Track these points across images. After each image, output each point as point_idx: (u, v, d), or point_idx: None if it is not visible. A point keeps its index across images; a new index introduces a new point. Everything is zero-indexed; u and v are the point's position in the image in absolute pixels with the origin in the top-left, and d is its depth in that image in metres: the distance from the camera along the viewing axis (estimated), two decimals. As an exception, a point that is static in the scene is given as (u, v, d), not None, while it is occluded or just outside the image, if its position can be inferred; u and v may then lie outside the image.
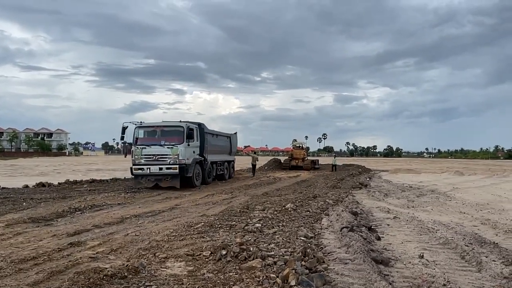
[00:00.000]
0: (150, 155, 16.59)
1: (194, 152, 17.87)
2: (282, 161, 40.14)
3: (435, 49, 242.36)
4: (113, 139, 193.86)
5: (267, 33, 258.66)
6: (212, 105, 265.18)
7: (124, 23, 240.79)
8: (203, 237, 6.73)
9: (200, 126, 18.99)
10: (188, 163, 17.01)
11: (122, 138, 17.68)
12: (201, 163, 18.58)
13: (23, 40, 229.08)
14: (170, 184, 16.56)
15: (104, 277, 4.44)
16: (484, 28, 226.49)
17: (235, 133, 25.39)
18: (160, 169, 16.39)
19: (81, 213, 9.64)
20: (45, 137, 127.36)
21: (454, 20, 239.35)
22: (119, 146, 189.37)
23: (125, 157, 18.14)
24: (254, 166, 27.40)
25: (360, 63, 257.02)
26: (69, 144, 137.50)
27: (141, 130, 17.38)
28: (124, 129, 17.39)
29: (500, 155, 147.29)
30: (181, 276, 4.75)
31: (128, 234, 7.15)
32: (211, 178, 20.01)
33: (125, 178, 22.02)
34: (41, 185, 16.82)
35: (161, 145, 16.68)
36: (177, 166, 16.31)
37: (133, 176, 17.12)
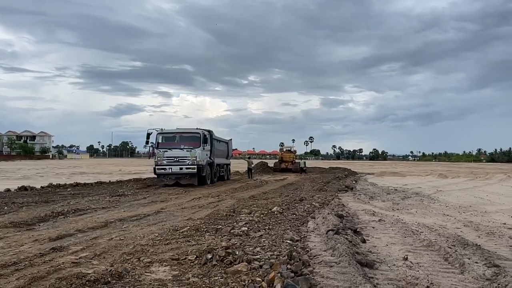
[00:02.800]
0: (171, 157, 19.20)
1: (206, 155, 20.53)
2: (272, 164, 40.52)
3: (419, 54, 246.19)
4: (98, 142, 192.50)
5: (254, 37, 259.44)
6: (199, 108, 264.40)
7: (110, 25, 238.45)
8: (189, 241, 6.68)
9: (210, 132, 21.53)
10: (203, 164, 19.74)
11: (147, 142, 20.17)
12: (211, 165, 21.23)
13: (6, 41, 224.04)
14: (189, 182, 19.28)
15: (87, 283, 4.36)
16: (467, 34, 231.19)
17: (231, 139, 27.85)
18: (181, 169, 19.05)
19: (64, 218, 9.46)
20: (28, 140, 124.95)
21: (437, 26, 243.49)
22: (105, 149, 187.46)
23: (149, 158, 21.26)
24: (250, 170, 29.41)
25: (346, 67, 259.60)
26: (53, 147, 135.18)
27: (162, 135, 19.94)
28: (148, 134, 19.84)
29: (482, 158, 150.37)
30: (166, 281, 4.70)
31: (112, 238, 7.05)
32: (216, 178, 22.61)
33: (110, 181, 21.77)
34: (23, 188, 16.48)
35: (181, 149, 19.39)
36: (195, 166, 19.08)
37: (156, 175, 19.58)
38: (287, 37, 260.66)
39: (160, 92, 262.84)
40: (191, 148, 19.28)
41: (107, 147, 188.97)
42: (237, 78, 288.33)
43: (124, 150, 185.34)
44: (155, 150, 19.55)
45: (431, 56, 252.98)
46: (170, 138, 20.00)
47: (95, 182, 20.68)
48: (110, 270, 4.82)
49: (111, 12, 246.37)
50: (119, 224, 8.63)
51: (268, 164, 42.54)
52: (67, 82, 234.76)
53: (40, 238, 7.04)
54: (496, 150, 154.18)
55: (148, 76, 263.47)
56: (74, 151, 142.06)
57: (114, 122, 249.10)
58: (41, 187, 17.62)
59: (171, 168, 19.07)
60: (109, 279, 4.55)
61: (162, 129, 20.15)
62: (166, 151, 19.30)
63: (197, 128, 20.49)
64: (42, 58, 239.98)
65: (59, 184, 18.91)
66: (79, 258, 5.64)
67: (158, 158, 19.22)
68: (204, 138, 19.81)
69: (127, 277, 4.75)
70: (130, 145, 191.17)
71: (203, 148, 19.74)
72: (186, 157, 19.14)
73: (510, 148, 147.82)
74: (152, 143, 20.21)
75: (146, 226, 8.33)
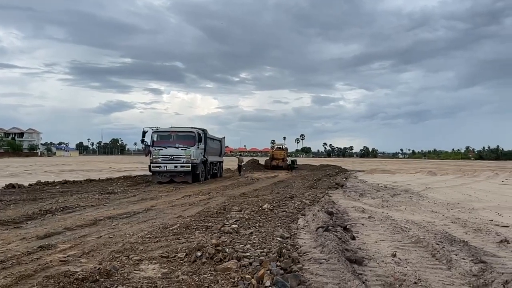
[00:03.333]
0: (166, 155, 19.75)
1: (201, 153, 21.13)
2: (264, 162, 40.63)
3: (409, 52, 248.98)
4: (88, 139, 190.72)
5: (245, 34, 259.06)
6: (190, 105, 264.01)
7: (100, 21, 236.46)
8: (179, 239, 6.66)
9: (204, 131, 22.00)
10: (198, 162, 20.33)
11: (142, 141, 20.74)
12: (204, 163, 21.82)
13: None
14: (183, 180, 19.74)
15: (75, 281, 4.32)
16: (456, 32, 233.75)
17: (224, 138, 28.22)
18: (175, 167, 19.66)
19: (52, 215, 9.36)
20: (16, 137, 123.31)
21: (427, 24, 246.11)
22: (94, 147, 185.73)
23: (146, 156, 21.51)
24: (240, 166, 30.41)
25: (337, 65, 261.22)
26: (41, 144, 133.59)
27: (157, 134, 20.39)
28: (144, 133, 20.34)
29: (470, 155, 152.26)
30: (155, 279, 4.67)
31: (101, 236, 7.00)
32: (209, 176, 23.30)
33: (99, 179, 21.59)
34: (11, 186, 16.23)
35: (175, 147, 19.85)
36: (190, 164, 19.65)
37: (151, 173, 20.13)
38: (278, 35, 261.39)
39: (151, 89, 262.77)
40: (186, 147, 19.82)
41: (97, 144, 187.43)
42: (229, 75, 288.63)
43: (114, 147, 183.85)
44: (151, 148, 19.98)
45: (421, 55, 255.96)
46: (165, 137, 20.46)
47: (84, 180, 20.48)
48: (99, 268, 4.78)
49: (100, 8, 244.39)
50: (108, 222, 8.57)
51: (259, 162, 42.58)
52: (56, 78, 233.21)
53: (28, 236, 6.96)
54: (484, 147, 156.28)
55: (138, 73, 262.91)
56: (63, 148, 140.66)
57: (104, 119, 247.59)
58: (29, 184, 17.38)
59: (166, 166, 19.66)
60: (98, 277, 4.51)
61: (157, 127, 20.66)
62: (161, 149, 19.82)
63: (192, 127, 21.06)
64: (30, 54, 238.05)
65: (48, 181, 18.67)
66: (67, 256, 5.59)
67: (154, 156, 19.76)
68: (198, 137, 20.35)
69: (116, 275, 4.71)
70: (120, 142, 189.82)
71: (198, 147, 20.30)
72: (180, 155, 19.69)
73: (497, 145, 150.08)
74: (146, 141, 20.49)
75: (136, 224, 8.28)
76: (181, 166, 19.64)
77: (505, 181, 24.66)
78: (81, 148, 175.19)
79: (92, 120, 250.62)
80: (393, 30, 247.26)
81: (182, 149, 19.80)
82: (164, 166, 19.65)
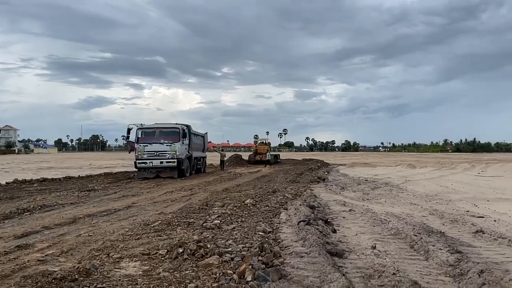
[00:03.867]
0: (152, 151, 20.02)
1: (185, 149, 21.41)
2: (247, 157, 40.70)
3: (389, 47, 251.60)
4: (67, 135, 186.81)
5: (227, 28, 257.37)
6: (172, 101, 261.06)
7: (78, 15, 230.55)
8: (160, 236, 6.62)
9: (188, 127, 22.30)
10: (183, 158, 20.65)
11: (127, 137, 21.08)
12: (189, 158, 22.14)
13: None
14: (169, 175, 20.10)
15: (53, 281, 4.25)
16: (435, 27, 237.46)
17: (206, 133, 28.58)
18: (161, 162, 19.93)
19: (30, 214, 9.17)
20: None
21: (406, 19, 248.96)
22: (74, 143, 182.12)
23: (129, 153, 22.05)
24: (222, 162, 30.89)
25: (319, 60, 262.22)
26: (19, 141, 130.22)
27: (142, 130, 20.70)
28: (129, 130, 20.70)
29: (448, 148, 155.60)
30: (136, 276, 4.64)
31: (80, 234, 6.89)
32: (194, 171, 23.61)
33: (79, 176, 21.23)
34: (-13, 185, 15.83)
35: (161, 143, 20.15)
36: (175, 160, 19.97)
37: (136, 169, 20.33)
38: (261, 29, 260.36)
39: (132, 84, 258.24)
40: (171, 143, 20.14)
41: (77, 141, 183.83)
42: (211, 70, 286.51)
43: (94, 144, 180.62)
44: (136, 145, 20.23)
45: (401, 49, 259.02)
46: (150, 133, 20.73)
47: (63, 177, 20.09)
48: (78, 267, 4.71)
49: (78, 1, 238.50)
50: (88, 219, 8.44)
51: (242, 157, 42.58)
52: (33, 73, 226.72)
53: (5, 236, 6.80)
54: (461, 140, 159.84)
55: (119, 68, 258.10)
56: (41, 145, 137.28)
57: (84, 115, 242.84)
58: (6, 183, 16.96)
59: (151, 162, 19.89)
60: (77, 276, 4.45)
61: (142, 124, 20.99)
62: (147, 145, 20.07)
63: (176, 123, 21.47)
64: (6, 48, 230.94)
65: (25, 179, 18.27)
66: (45, 255, 5.48)
67: (139, 153, 20.02)
68: (183, 132, 20.76)
69: (96, 273, 4.65)
70: (101, 139, 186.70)
71: (183, 143, 20.70)
72: (166, 151, 20.03)
73: (474, 138, 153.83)
74: (125, 136, 20.73)
75: (117, 221, 8.19)
76: (167, 162, 19.89)
77: (481, 173, 25.37)
78: (60, 145, 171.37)
79: (71, 116, 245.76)
80: (374, 25, 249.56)
81: (167, 145, 20.06)
82: (149, 162, 19.85)
